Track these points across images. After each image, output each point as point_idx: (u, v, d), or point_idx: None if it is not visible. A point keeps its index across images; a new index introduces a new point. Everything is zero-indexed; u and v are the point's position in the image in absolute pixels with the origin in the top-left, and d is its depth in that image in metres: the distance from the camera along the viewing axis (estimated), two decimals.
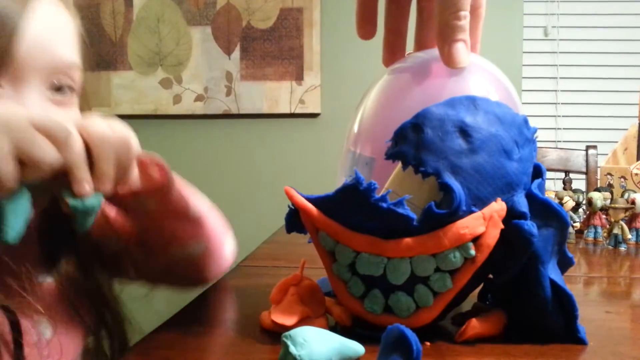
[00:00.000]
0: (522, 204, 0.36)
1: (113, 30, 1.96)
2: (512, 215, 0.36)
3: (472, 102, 0.36)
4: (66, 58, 0.49)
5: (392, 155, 0.37)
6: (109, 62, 1.97)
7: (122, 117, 0.43)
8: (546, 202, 0.37)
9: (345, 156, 0.44)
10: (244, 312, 0.47)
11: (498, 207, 0.35)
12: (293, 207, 0.41)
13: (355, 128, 0.43)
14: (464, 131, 0.36)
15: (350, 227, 0.38)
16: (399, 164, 0.37)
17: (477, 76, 0.40)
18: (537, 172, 0.39)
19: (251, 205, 1.93)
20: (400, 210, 0.35)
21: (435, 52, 0.40)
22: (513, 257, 0.37)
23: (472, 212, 0.35)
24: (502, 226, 0.35)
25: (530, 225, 0.35)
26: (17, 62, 0.44)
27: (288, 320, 0.39)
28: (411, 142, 0.36)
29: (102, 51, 1.96)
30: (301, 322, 0.39)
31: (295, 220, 0.41)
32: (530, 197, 0.37)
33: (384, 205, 0.35)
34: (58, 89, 0.48)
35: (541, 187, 0.38)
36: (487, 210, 0.35)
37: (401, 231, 0.36)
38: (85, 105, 0.53)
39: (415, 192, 0.37)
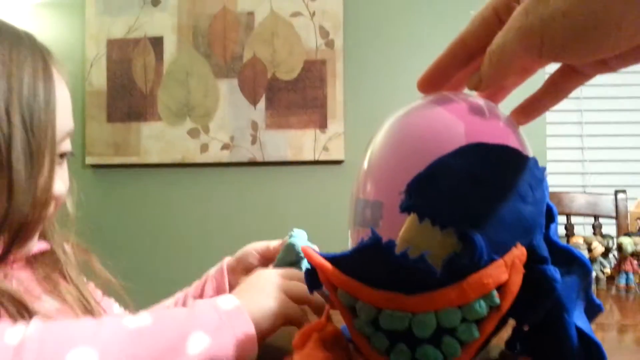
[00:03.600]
0: (542, 247, 0.36)
1: (144, 84, 2.05)
2: (532, 259, 0.35)
3: (482, 149, 0.37)
4: (72, 124, 0.57)
5: (407, 208, 0.37)
6: (139, 113, 2.04)
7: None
8: (566, 249, 0.37)
9: (354, 204, 0.44)
10: (266, 357, 0.47)
11: (518, 252, 0.35)
12: (311, 267, 0.41)
13: (364, 169, 0.44)
14: (478, 180, 0.36)
15: (369, 283, 0.38)
16: (412, 214, 0.37)
17: (483, 119, 0.41)
18: (548, 213, 0.38)
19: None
20: (423, 266, 0.35)
21: (449, 98, 0.41)
22: (536, 302, 0.36)
23: (493, 259, 0.35)
24: (523, 271, 0.35)
25: (553, 271, 0.35)
26: (56, 135, 0.53)
27: None
28: (425, 194, 0.36)
29: (133, 103, 2.05)
30: None
31: (314, 278, 0.41)
32: (550, 244, 0.37)
33: (407, 263, 0.35)
34: (62, 154, 0.56)
35: (555, 232, 0.38)
36: (508, 257, 0.35)
37: (423, 284, 0.36)
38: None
39: (433, 243, 0.36)
